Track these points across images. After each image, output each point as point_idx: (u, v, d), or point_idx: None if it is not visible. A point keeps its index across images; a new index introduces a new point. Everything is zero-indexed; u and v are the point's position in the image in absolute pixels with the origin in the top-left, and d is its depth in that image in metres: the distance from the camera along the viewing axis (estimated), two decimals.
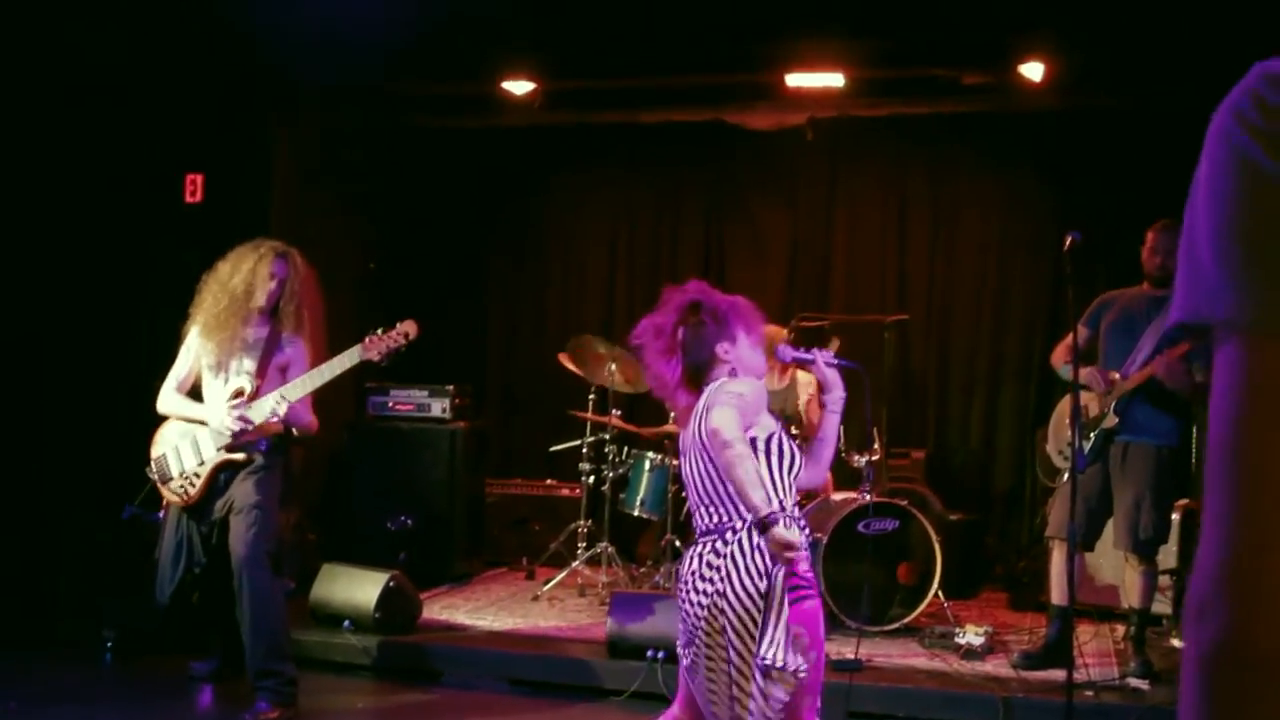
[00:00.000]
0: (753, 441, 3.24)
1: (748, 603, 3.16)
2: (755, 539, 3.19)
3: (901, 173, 8.53)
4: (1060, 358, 5.63)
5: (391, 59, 6.99)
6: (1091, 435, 5.37)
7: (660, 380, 3.48)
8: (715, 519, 3.30)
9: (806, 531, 3.39)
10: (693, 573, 3.29)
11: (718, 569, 3.22)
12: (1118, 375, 5.41)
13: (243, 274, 4.92)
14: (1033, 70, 6.99)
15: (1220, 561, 0.90)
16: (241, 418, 4.74)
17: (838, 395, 3.60)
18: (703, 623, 3.22)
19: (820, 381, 3.63)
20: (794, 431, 6.49)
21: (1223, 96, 1.02)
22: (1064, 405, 5.64)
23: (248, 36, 6.63)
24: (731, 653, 3.18)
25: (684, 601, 3.30)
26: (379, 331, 4.85)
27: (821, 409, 3.67)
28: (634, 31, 6.91)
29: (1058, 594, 5.52)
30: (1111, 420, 5.36)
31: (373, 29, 6.50)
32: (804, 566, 3.19)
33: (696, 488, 3.36)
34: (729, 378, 3.38)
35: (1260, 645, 0.87)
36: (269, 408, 4.74)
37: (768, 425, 3.33)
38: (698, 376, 3.42)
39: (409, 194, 8.87)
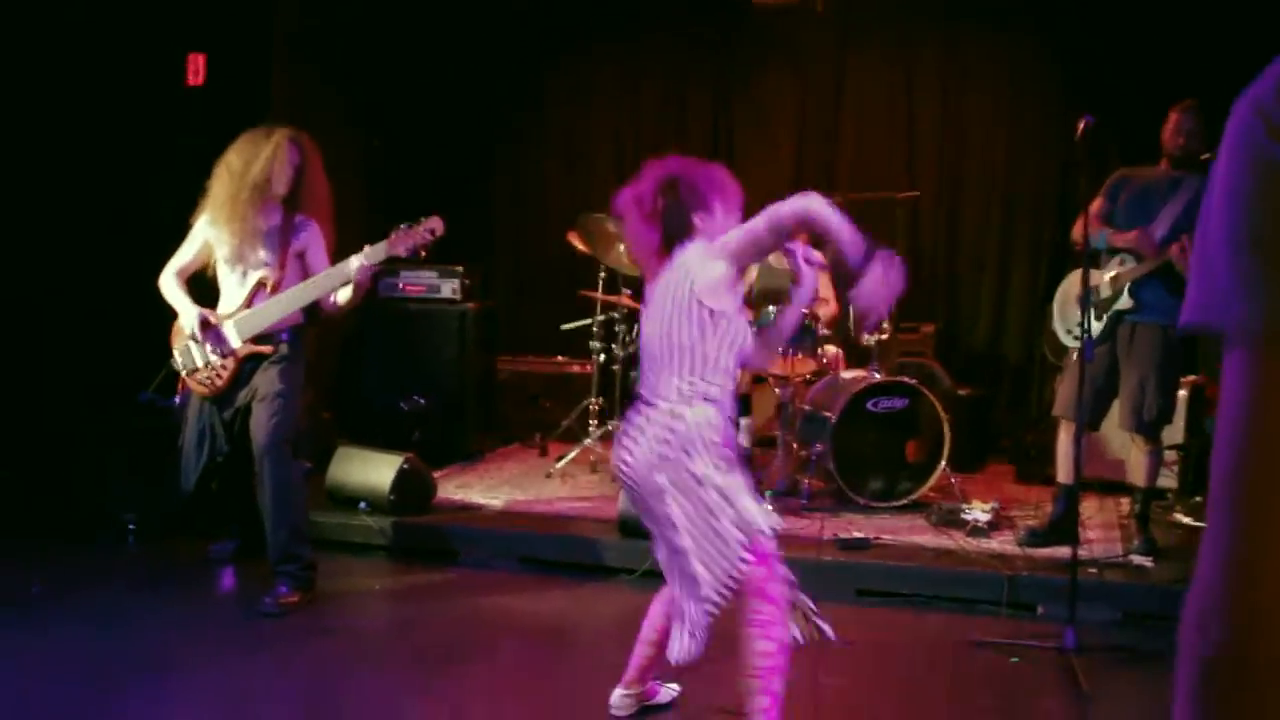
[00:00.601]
0: (710, 311, 3.33)
1: (691, 471, 3.29)
2: (701, 412, 3.34)
3: (910, 47, 8.39)
4: (1082, 231, 5.51)
5: None
6: (1104, 316, 5.34)
7: (641, 246, 3.56)
8: (662, 383, 3.39)
9: (730, 418, 3.47)
10: (631, 436, 3.41)
11: (654, 432, 3.34)
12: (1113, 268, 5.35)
13: (261, 161, 4.86)
14: None
15: (1222, 574, 0.89)
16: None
17: (805, 292, 3.63)
18: (640, 484, 3.36)
19: (794, 273, 3.64)
20: (804, 310, 6.49)
21: None
22: (1069, 283, 5.64)
23: None
24: (679, 516, 3.30)
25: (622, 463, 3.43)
26: (404, 226, 4.81)
27: (788, 301, 3.68)
28: None
29: (1064, 472, 5.55)
30: (1127, 302, 5.32)
31: None
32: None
33: (653, 348, 3.44)
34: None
35: (1260, 656, 0.87)
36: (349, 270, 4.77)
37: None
38: (673, 245, 3.49)
39: (412, 72, 8.74)
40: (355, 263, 4.77)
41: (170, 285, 5.02)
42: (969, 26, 8.16)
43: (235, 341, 4.91)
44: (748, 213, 3.46)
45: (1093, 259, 5.21)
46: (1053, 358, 6.10)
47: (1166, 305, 5.24)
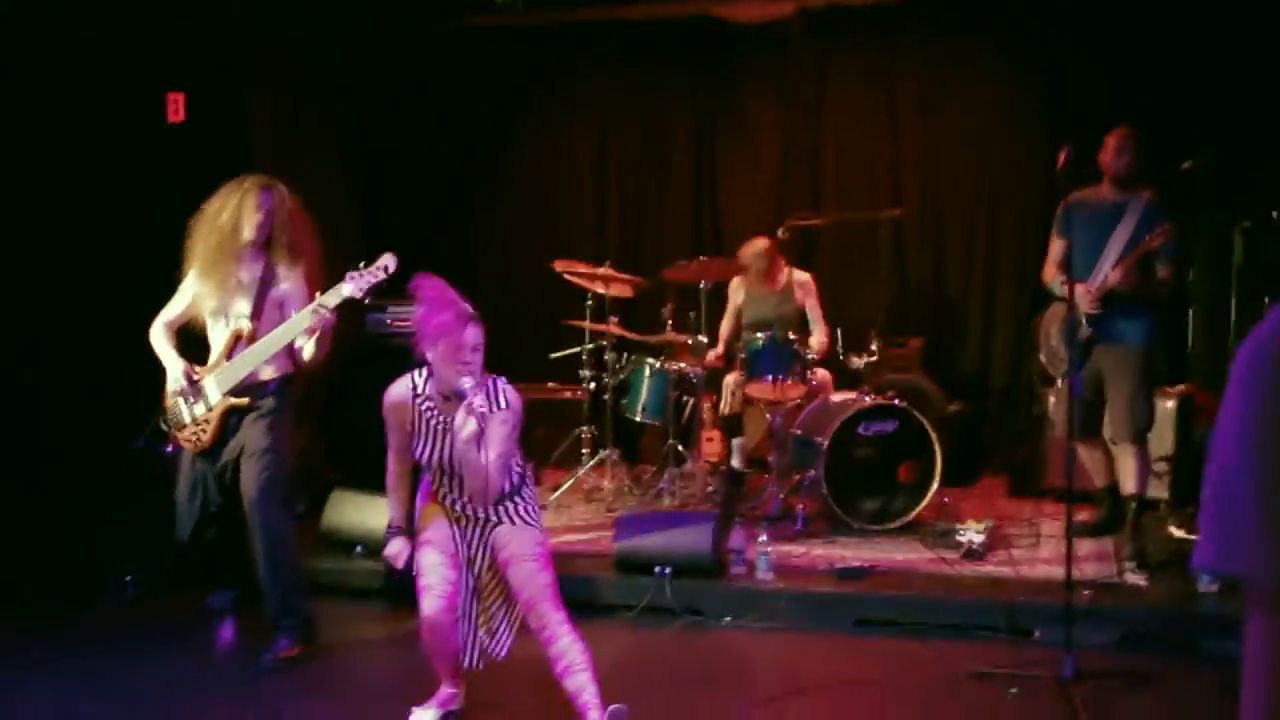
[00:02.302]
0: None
1: None
2: None
3: (892, 64, 8.41)
4: (1050, 275, 5.96)
5: None
6: (1075, 346, 5.49)
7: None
8: None
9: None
10: None
11: None
12: (1092, 287, 5.61)
13: (230, 209, 4.89)
14: None
15: None
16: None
17: (465, 436, 3.88)
18: None
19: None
20: (791, 336, 6.53)
21: None
22: (1047, 317, 6.03)
23: None
24: None
25: None
26: (360, 267, 4.80)
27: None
28: None
29: (1097, 478, 6.10)
30: (1086, 331, 5.65)
31: None
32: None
33: None
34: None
35: None
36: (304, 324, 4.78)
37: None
38: None
39: (393, 107, 8.77)
40: (310, 311, 4.75)
41: (159, 339, 5.03)
42: (950, 46, 8.19)
43: (215, 396, 4.92)
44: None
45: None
46: (1039, 386, 6.43)
47: (1134, 329, 5.67)
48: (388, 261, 4.77)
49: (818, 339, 6.97)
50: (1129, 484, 5.77)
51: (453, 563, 4.05)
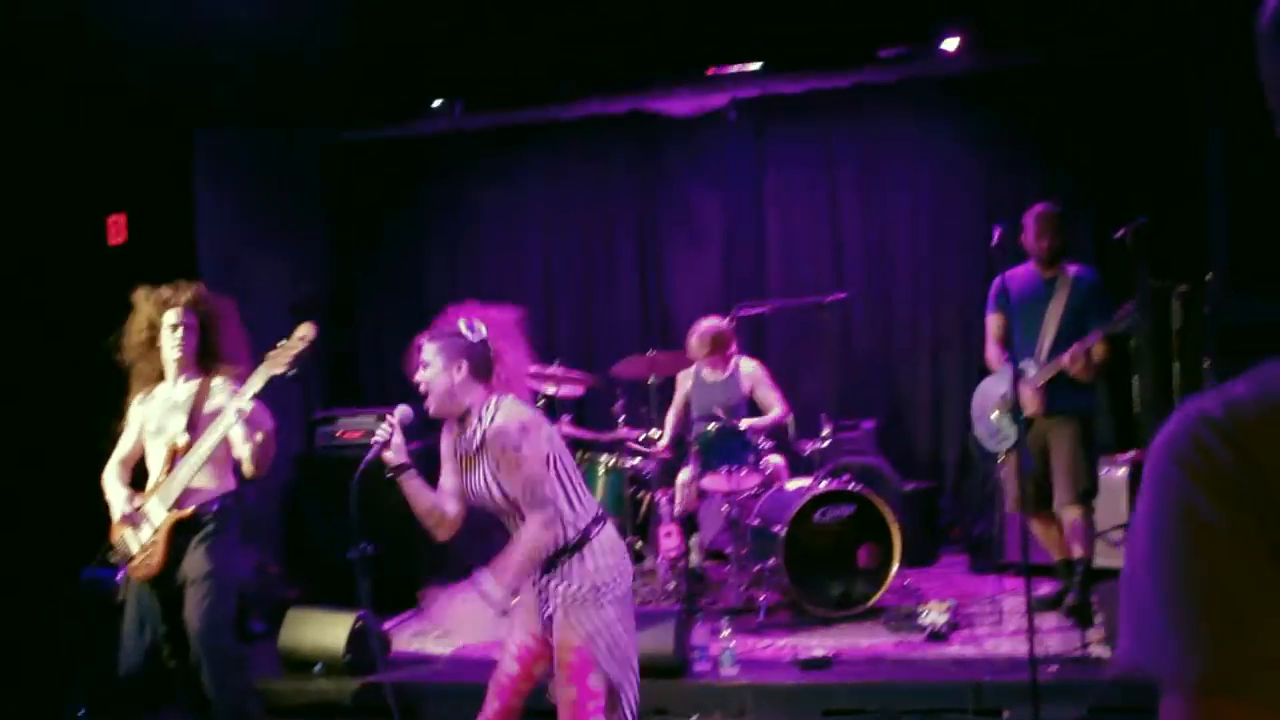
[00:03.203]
0: None
1: None
2: None
3: (829, 146, 8.53)
4: (992, 354, 6.11)
5: (306, 89, 6.96)
6: (1019, 421, 5.55)
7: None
8: None
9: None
10: None
11: None
12: (1037, 385, 5.76)
13: (145, 333, 4.86)
14: (949, 43, 7.09)
15: None
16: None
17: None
18: None
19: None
20: (742, 426, 6.55)
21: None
22: (982, 394, 6.15)
23: (160, 70, 6.55)
24: None
25: None
26: (280, 343, 4.72)
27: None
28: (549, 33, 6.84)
29: (1054, 551, 6.07)
30: (1031, 408, 5.75)
31: (281, 60, 6.49)
32: None
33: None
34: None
35: None
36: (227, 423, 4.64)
37: None
38: None
39: (339, 213, 8.84)
40: (233, 405, 4.61)
41: (110, 481, 4.95)
42: (885, 127, 8.35)
43: (160, 514, 4.81)
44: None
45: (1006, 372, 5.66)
46: (980, 460, 6.41)
47: (1075, 401, 5.79)
48: (305, 332, 4.63)
49: (779, 410, 7.00)
50: (1075, 548, 5.87)
51: (516, 654, 3.68)
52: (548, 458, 3.49)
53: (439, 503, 3.72)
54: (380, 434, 3.63)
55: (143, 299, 4.92)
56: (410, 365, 3.64)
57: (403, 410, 3.71)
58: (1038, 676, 4.56)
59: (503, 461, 3.48)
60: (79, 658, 5.90)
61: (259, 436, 4.67)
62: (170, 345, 4.83)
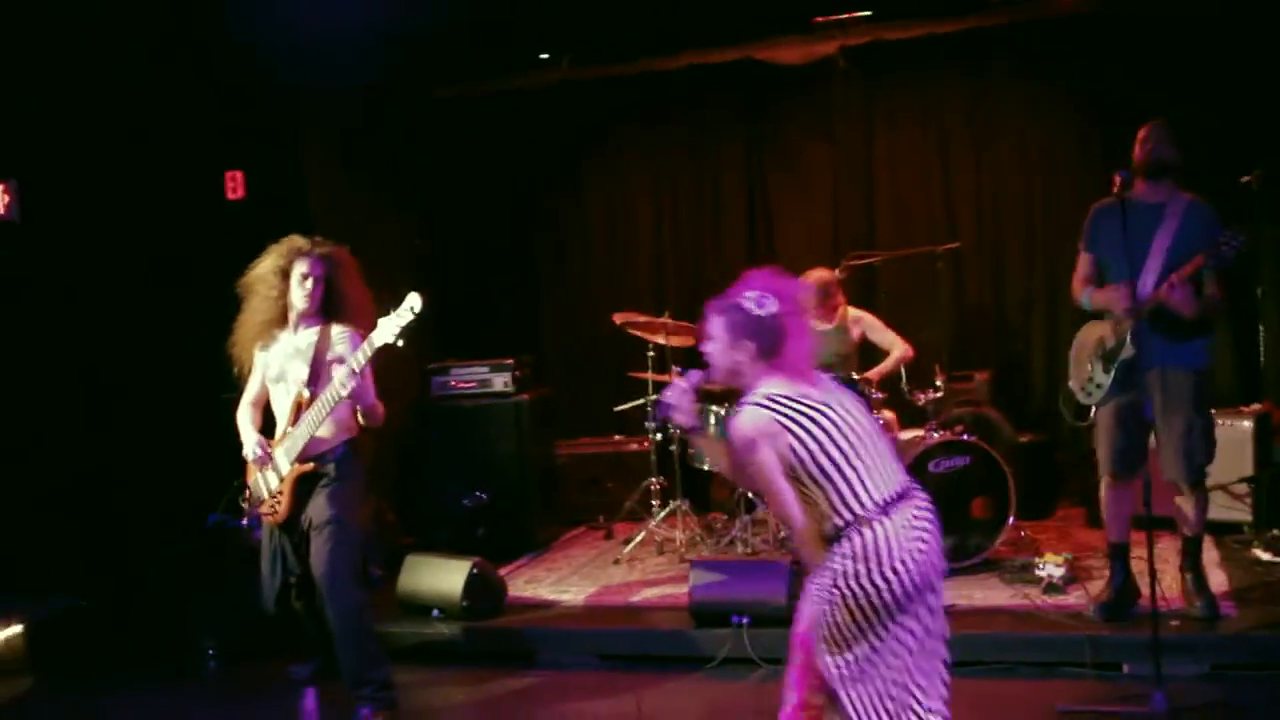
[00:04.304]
0: None
1: None
2: None
3: (939, 95, 8.37)
4: (1078, 290, 5.38)
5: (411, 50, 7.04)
6: (1112, 369, 5.11)
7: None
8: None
9: None
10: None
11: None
12: (1144, 292, 4.98)
13: (277, 281, 4.96)
14: None
15: None
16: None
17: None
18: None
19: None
20: (855, 376, 6.51)
21: None
22: (1081, 338, 5.44)
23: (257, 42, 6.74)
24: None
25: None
26: (389, 313, 4.78)
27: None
28: None
29: (1114, 531, 5.37)
30: (1129, 351, 4.99)
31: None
32: None
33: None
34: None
35: None
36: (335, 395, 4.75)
37: None
38: None
39: (447, 169, 8.93)
40: (346, 369, 4.70)
41: (242, 418, 5.14)
42: (996, 74, 8.18)
43: (285, 466, 4.97)
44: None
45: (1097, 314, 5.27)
46: (1074, 421, 5.53)
47: (1185, 350, 5.05)
48: (413, 302, 4.69)
49: (901, 349, 6.95)
50: (1185, 527, 5.27)
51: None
52: (790, 467, 3.22)
53: None
54: (669, 397, 3.52)
55: (275, 247, 5.02)
56: (699, 333, 3.51)
57: (693, 374, 3.62)
58: (1159, 631, 4.48)
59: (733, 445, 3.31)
60: (207, 600, 6.12)
61: (361, 410, 4.86)
62: (300, 295, 4.93)
